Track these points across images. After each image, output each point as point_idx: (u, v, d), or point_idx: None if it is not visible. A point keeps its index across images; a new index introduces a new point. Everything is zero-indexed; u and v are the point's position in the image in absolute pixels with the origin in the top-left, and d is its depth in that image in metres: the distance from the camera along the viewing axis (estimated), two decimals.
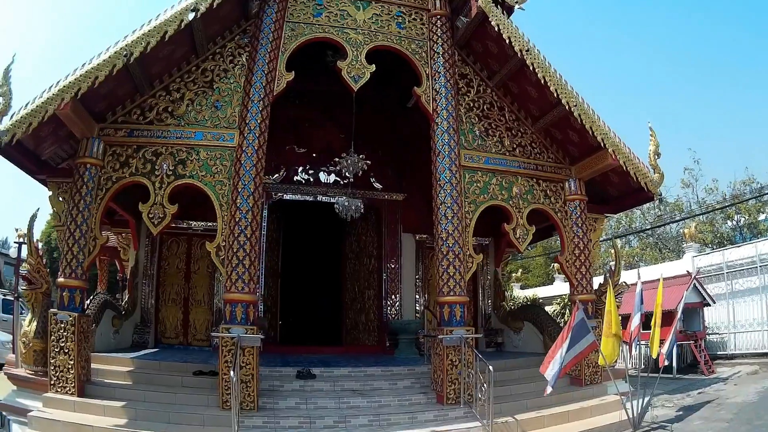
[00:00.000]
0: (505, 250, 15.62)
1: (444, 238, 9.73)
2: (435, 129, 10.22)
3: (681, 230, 29.41)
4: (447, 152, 10.05)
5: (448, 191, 9.88)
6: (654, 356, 10.24)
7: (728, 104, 64.32)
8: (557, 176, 11.22)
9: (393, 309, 13.95)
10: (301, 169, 14.34)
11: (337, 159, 11.47)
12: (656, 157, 10.96)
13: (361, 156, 11.17)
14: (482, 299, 15.14)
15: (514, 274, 32.29)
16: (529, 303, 18.74)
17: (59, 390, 8.86)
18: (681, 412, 10.52)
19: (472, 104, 10.82)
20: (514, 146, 10.96)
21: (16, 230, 15.46)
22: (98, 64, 8.54)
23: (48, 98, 8.45)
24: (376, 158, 14.24)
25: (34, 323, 9.60)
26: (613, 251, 13.88)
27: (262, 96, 9.70)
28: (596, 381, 10.49)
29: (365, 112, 13.97)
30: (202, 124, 9.75)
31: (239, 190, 9.27)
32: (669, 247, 34.16)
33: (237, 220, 9.14)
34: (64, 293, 9.07)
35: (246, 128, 9.57)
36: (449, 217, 9.76)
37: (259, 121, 9.61)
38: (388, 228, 14.39)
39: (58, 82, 8.53)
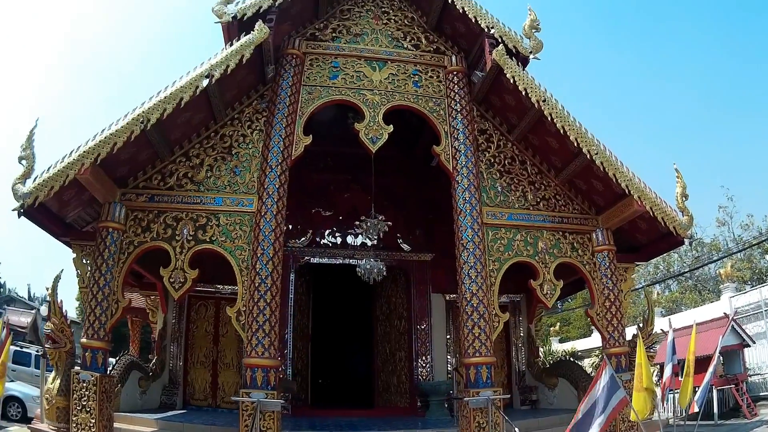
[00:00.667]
0: (537, 306, 15.25)
1: (468, 299, 9.54)
2: (456, 187, 10.15)
3: (718, 270, 28.54)
4: (468, 210, 9.94)
5: (471, 250, 9.72)
6: (683, 407, 9.75)
7: (757, 136, 63.38)
8: (584, 227, 10.94)
9: (424, 370, 13.62)
10: (327, 232, 14.30)
11: (357, 222, 11.39)
12: (684, 199, 10.55)
13: (381, 218, 11.06)
14: (516, 356, 14.74)
15: (552, 328, 31.61)
16: (562, 358, 18.21)
17: None
18: None
19: (492, 160, 10.73)
20: (538, 200, 10.77)
21: (47, 289, 15.70)
22: (116, 131, 8.72)
23: (69, 163, 8.64)
24: (403, 219, 14.31)
25: (58, 381, 9.68)
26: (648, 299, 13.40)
27: (280, 161, 9.79)
28: None
29: (391, 172, 14.15)
30: (222, 190, 9.85)
31: (258, 255, 9.28)
32: (708, 288, 33.20)
33: (257, 285, 9.12)
34: (87, 353, 9.13)
35: (264, 193, 9.64)
36: (473, 277, 9.59)
37: (277, 186, 9.68)
38: (417, 288, 14.18)
39: (78, 147, 8.73)
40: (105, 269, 9.30)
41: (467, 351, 9.40)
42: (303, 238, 14.05)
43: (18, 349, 20.73)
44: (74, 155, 8.67)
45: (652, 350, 10.95)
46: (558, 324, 32.95)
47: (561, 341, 30.55)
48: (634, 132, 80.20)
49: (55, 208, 9.67)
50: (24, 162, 8.90)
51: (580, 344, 26.70)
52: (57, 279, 10.15)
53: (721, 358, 17.25)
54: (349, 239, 14.11)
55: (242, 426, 8.37)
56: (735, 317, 17.40)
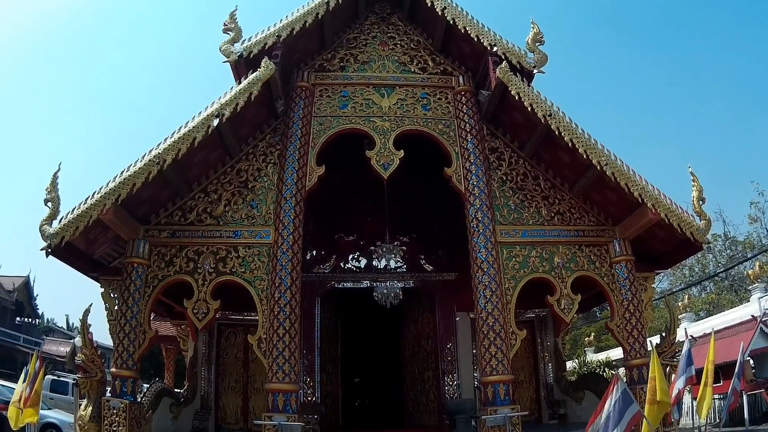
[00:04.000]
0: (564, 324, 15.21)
1: (484, 318, 9.65)
2: (468, 208, 10.28)
3: (747, 271, 27.81)
4: (481, 230, 10.06)
5: (485, 270, 9.84)
6: (702, 417, 9.64)
7: None
8: (600, 239, 10.92)
9: (451, 388, 13.67)
10: (351, 256, 14.53)
11: (373, 247, 11.56)
12: (700, 203, 10.41)
13: (396, 243, 11.29)
14: (543, 371, 14.73)
15: (587, 339, 31.16)
16: (589, 371, 18.09)
17: None
18: None
19: (505, 177, 10.81)
20: (552, 215, 10.80)
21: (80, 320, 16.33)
22: (135, 172, 9.13)
23: (92, 204, 9.06)
24: (425, 240, 14.56)
25: (90, 408, 10.00)
26: (679, 305, 13.19)
27: (294, 192, 10.07)
28: None
29: (411, 195, 14.35)
30: (240, 223, 10.17)
31: (277, 284, 9.55)
32: (744, 287, 32.45)
33: (276, 313, 9.39)
34: (117, 382, 9.61)
35: (280, 225, 9.92)
36: (488, 296, 9.70)
37: (292, 217, 9.95)
38: (442, 308, 14.25)
39: (100, 188, 9.16)
40: (132, 303, 9.75)
41: (484, 370, 9.51)
42: (327, 264, 14.34)
43: (55, 378, 21.38)
44: (96, 197, 9.09)
45: (675, 360, 10.84)
46: (592, 334, 32.35)
47: (597, 351, 30.06)
48: (659, 132, 79.06)
49: (83, 247, 10.10)
50: (50, 204, 9.34)
51: (615, 353, 26.25)
52: (86, 313, 10.53)
53: (751, 361, 16.91)
54: (374, 263, 14.21)
55: None
56: (765, 319, 17.00)
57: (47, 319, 55.09)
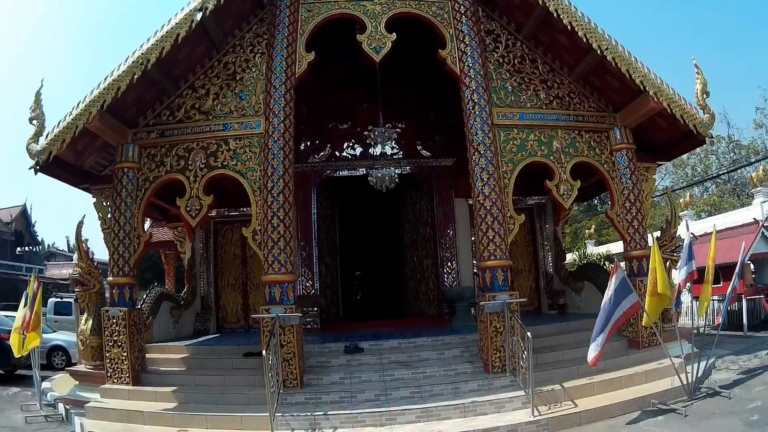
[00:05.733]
0: (564, 210, 15.07)
1: (481, 201, 9.40)
2: (464, 90, 9.86)
3: (750, 174, 27.55)
4: (478, 112, 9.67)
5: (482, 152, 9.52)
6: (701, 315, 9.59)
7: None
8: (601, 126, 10.64)
9: (450, 277, 13.70)
10: (346, 144, 14.27)
11: (365, 132, 11.27)
12: (704, 96, 10.18)
13: (388, 126, 10.96)
14: (543, 260, 14.70)
15: (587, 231, 31.28)
16: (589, 262, 18.08)
17: (115, 381, 9.46)
18: (744, 376, 9.61)
19: (501, 60, 10.35)
20: (551, 98, 10.44)
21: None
22: (119, 76, 8.93)
23: (77, 114, 9.00)
24: (423, 126, 14.33)
25: (90, 322, 10.31)
26: (681, 202, 12.97)
27: (283, 80, 9.67)
28: (654, 343, 9.81)
29: (408, 82, 14.09)
30: (229, 116, 9.89)
31: (269, 174, 9.32)
32: (747, 192, 32.31)
33: (269, 203, 9.20)
34: (114, 291, 9.71)
35: (271, 114, 9.58)
36: (485, 179, 9.43)
37: (282, 105, 9.59)
38: (440, 194, 14.11)
39: (84, 97, 9.01)
40: (124, 208, 9.74)
41: (482, 255, 9.36)
42: (322, 153, 14.17)
43: (59, 300, 21.64)
44: (81, 106, 8.98)
45: (676, 254, 10.75)
46: (593, 227, 32.42)
47: (597, 245, 30.20)
48: (665, 37, 76.90)
49: (71, 159, 10.15)
50: (35, 122, 9.27)
51: (615, 247, 26.28)
52: (80, 225, 10.66)
53: (752, 266, 16.86)
54: (371, 150, 13.86)
55: (263, 341, 8.56)
56: (766, 224, 16.84)
57: (48, 245, 55.77)
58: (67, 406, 9.76)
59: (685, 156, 35.18)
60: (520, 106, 10.19)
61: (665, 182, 35.47)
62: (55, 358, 16.04)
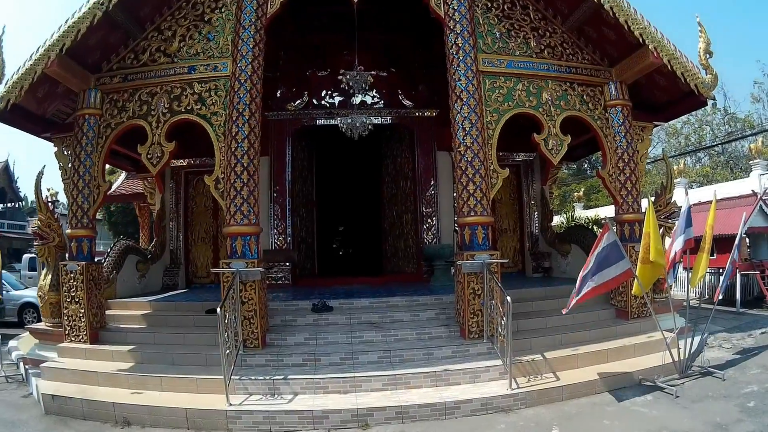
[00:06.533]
0: (553, 166, 14.39)
1: (462, 152, 8.66)
2: (448, 34, 9.04)
3: (749, 146, 26.99)
4: (462, 57, 8.86)
5: (465, 100, 8.74)
6: (693, 286, 8.90)
7: None
8: (595, 79, 9.89)
9: (430, 233, 13.07)
10: (325, 93, 13.43)
11: (339, 77, 10.52)
12: (707, 56, 9.47)
13: (359, 67, 10.19)
14: (528, 221, 14.08)
15: (576, 194, 30.76)
16: (577, 225, 17.48)
17: (73, 339, 9.00)
18: (738, 356, 8.94)
19: (489, 4, 9.44)
20: (542, 47, 9.63)
21: (48, 190, 15.92)
22: (79, 18, 8.35)
23: (36, 59, 8.42)
24: (405, 75, 13.54)
25: (49, 277, 9.82)
26: (674, 168, 12.24)
27: (253, 20, 8.89)
28: (645, 314, 9.26)
29: (392, 29, 13.32)
30: (195, 58, 9.14)
31: (234, 119, 8.60)
32: (740, 166, 31.81)
33: (233, 150, 8.52)
34: (73, 244, 9.24)
35: (238, 55, 8.83)
36: (467, 129, 8.67)
37: (251, 46, 8.82)
38: (421, 146, 13.38)
39: (45, 41, 8.46)
40: (84, 156, 9.18)
41: (462, 210, 8.67)
42: (299, 101, 13.36)
43: (32, 255, 20.98)
44: (41, 50, 8.43)
45: (671, 221, 10.11)
46: (582, 190, 31.88)
47: (585, 209, 29.69)
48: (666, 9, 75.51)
49: (32, 107, 9.64)
50: None
51: (605, 211, 25.68)
52: (39, 176, 10.15)
53: (747, 239, 16.28)
54: (352, 99, 13.04)
55: (223, 298, 7.80)
56: (765, 197, 16.19)
57: (30, 201, 54.72)
58: (27, 366, 9.29)
59: (678, 125, 34.72)
60: (508, 53, 9.37)
61: (656, 150, 34.90)
62: (27, 316, 15.59)
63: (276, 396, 7.05)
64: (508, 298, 7.17)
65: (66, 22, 8.39)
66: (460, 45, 8.90)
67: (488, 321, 8.19)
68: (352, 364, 7.61)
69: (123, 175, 18.71)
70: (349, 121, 10.06)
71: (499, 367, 7.47)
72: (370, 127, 10.49)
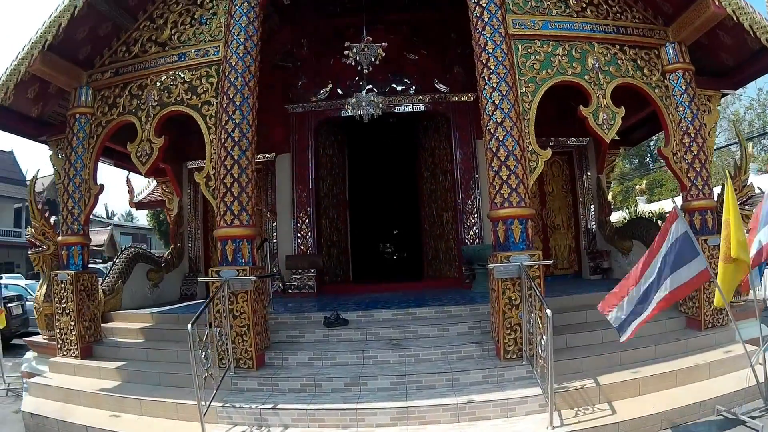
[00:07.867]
0: (608, 152, 12.74)
1: (492, 130, 7.18)
2: None
3: None
4: (487, 19, 7.39)
5: (493, 68, 7.26)
6: None
7: None
8: (649, 41, 8.26)
9: (472, 232, 11.60)
10: (349, 82, 12.02)
11: (345, 50, 9.24)
12: None
13: (367, 38, 8.93)
14: (584, 215, 12.40)
15: (638, 187, 28.63)
16: (638, 217, 15.60)
17: (65, 353, 8.43)
18: None
19: None
20: (584, 5, 8.05)
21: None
22: (60, 11, 7.75)
23: (21, 58, 7.96)
24: (438, 57, 12.17)
25: (44, 287, 9.22)
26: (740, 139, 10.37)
27: None
28: (721, 323, 7.63)
29: (422, 6, 12.01)
30: (187, 44, 8.21)
31: (224, 105, 7.49)
32: None
33: (223, 141, 7.37)
34: (63, 252, 8.61)
35: (230, 36, 7.75)
36: (497, 103, 7.19)
37: (244, 25, 7.71)
38: (460, 135, 11.90)
39: (30, 39, 7.95)
40: (75, 158, 8.61)
41: (494, 201, 7.17)
42: (323, 90, 12.15)
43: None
44: (26, 49, 7.94)
45: (748, 207, 8.29)
46: (644, 182, 29.69)
47: (648, 203, 27.55)
48: None
49: (25, 109, 9.15)
50: None
51: (669, 205, 23.72)
52: (33, 181, 9.62)
53: None
54: (378, 87, 11.64)
55: (198, 312, 6.34)
56: None
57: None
58: (24, 380, 8.69)
59: (741, 110, 31.96)
60: (543, 12, 7.83)
61: (719, 139, 32.20)
62: None
63: (263, 428, 5.86)
64: (548, 311, 5.53)
65: (50, 17, 7.78)
66: (484, 5, 7.46)
67: (527, 338, 6.64)
68: (359, 392, 6.28)
69: (154, 182, 17.95)
70: (353, 101, 8.74)
71: (539, 397, 5.92)
72: (380, 105, 9.14)
